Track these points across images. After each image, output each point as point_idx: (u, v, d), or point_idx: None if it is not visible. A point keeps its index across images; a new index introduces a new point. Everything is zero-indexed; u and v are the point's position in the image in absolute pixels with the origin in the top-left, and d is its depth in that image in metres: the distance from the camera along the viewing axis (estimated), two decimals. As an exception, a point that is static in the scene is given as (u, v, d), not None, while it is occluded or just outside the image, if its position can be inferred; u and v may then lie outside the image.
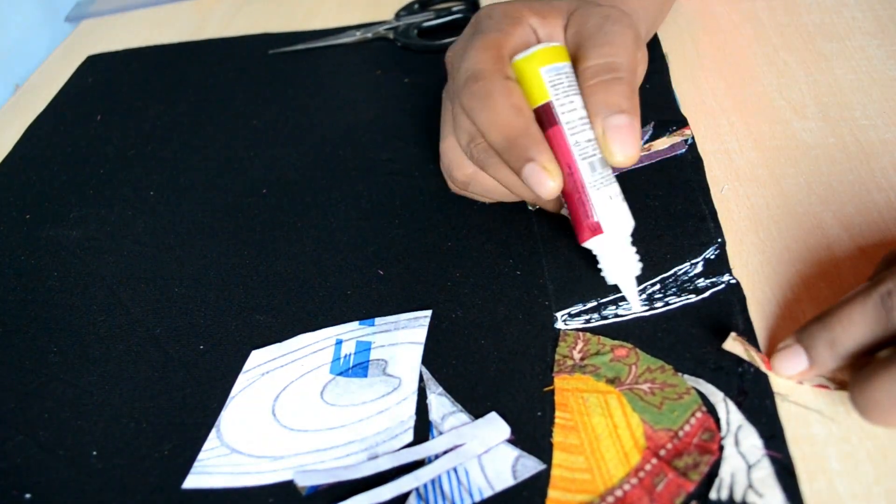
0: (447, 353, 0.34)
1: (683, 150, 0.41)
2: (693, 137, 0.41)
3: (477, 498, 0.28)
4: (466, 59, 0.33)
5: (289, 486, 0.30)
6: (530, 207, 0.39)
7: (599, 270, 0.33)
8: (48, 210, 0.47)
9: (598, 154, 0.32)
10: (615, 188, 0.32)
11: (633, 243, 0.33)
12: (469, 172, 0.36)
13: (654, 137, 0.42)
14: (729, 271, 0.34)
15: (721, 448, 0.28)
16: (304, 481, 0.30)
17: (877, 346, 0.26)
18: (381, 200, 0.43)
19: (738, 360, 0.30)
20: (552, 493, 0.28)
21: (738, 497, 0.26)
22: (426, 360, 0.33)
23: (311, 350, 0.35)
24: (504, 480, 0.29)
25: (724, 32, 0.49)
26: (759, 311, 0.32)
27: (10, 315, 0.40)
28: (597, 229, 0.32)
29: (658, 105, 0.44)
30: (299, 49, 0.58)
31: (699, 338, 0.32)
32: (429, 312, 0.35)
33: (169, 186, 0.47)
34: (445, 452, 0.30)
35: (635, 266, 0.33)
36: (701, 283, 0.34)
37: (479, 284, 0.36)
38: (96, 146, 0.52)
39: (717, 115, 0.43)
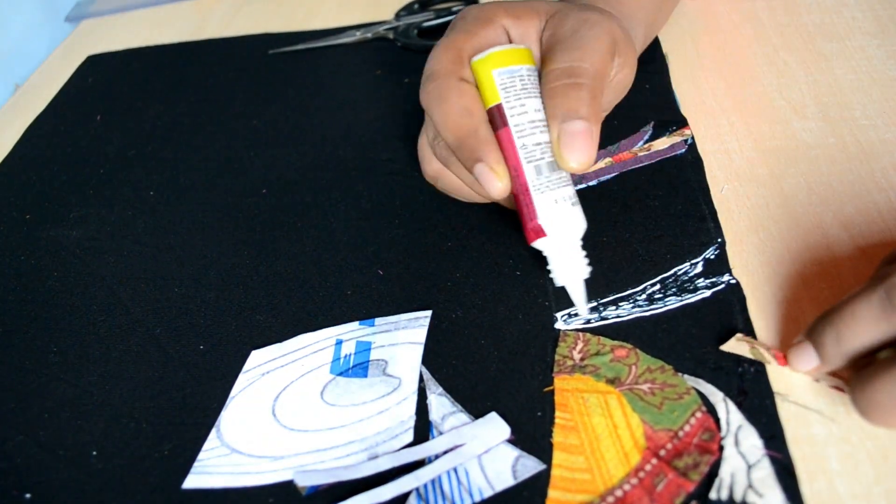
0: (447, 353, 0.34)
1: (683, 150, 0.41)
2: (693, 137, 0.41)
3: (477, 498, 0.28)
4: (429, 59, 0.34)
5: (289, 486, 0.30)
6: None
7: (549, 272, 0.33)
8: (48, 210, 0.47)
9: (546, 158, 0.32)
10: (566, 191, 0.32)
11: (633, 243, 0.33)
12: (436, 168, 0.37)
13: (654, 137, 0.42)
14: (729, 271, 0.34)
15: (721, 448, 0.28)
16: (304, 481, 0.30)
17: (883, 342, 0.26)
18: (381, 200, 0.43)
19: (737, 360, 0.30)
20: (552, 494, 0.28)
21: (738, 497, 0.26)
22: (426, 361, 0.33)
23: (312, 350, 0.35)
24: (504, 480, 0.29)
25: (724, 32, 0.49)
26: (759, 311, 0.32)
27: (10, 315, 0.40)
28: (539, 231, 0.32)
29: (658, 105, 0.44)
30: (299, 49, 0.58)
31: (699, 338, 0.32)
32: (429, 312, 0.35)
33: (169, 186, 0.47)
34: (445, 452, 0.30)
35: (583, 270, 0.33)
36: (701, 283, 0.34)
37: (479, 284, 0.36)
38: (96, 146, 0.52)
39: (717, 115, 0.43)
